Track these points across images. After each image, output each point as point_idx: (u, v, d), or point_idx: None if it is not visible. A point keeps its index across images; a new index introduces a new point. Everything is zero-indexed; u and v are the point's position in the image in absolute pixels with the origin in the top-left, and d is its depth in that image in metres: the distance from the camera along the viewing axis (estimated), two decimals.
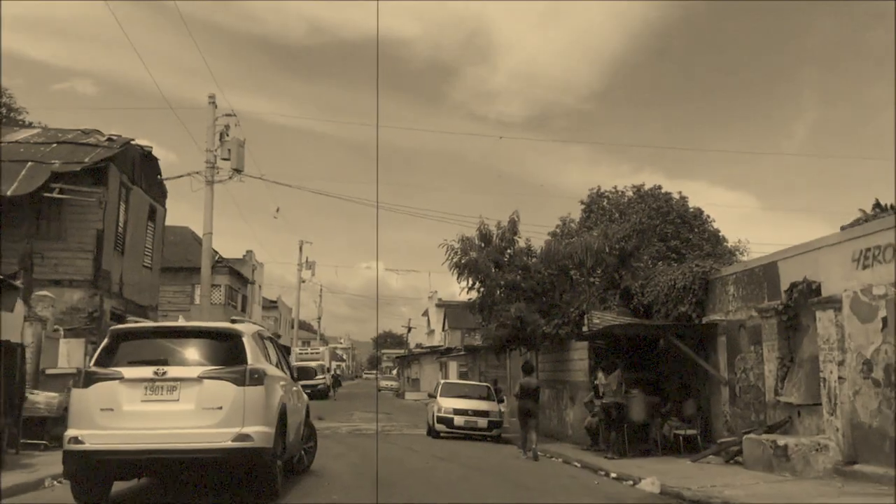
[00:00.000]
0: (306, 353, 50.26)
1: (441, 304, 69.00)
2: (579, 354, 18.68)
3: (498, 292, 20.18)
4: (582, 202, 20.89)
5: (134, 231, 24.34)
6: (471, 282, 20.02)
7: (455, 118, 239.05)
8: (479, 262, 19.71)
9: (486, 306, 20.41)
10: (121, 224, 23.05)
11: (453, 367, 42.51)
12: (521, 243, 21.11)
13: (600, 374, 15.67)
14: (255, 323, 9.71)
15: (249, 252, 49.36)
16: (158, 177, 26.08)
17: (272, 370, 8.81)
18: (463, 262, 19.80)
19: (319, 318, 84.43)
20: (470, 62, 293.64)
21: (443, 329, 59.63)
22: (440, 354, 48.11)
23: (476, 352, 35.39)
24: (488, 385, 23.64)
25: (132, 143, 23.78)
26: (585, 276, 18.85)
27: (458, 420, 20.86)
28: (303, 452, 11.25)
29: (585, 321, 17.85)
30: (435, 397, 22.34)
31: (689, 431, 14.94)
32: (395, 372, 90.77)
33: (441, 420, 21.07)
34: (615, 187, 21.09)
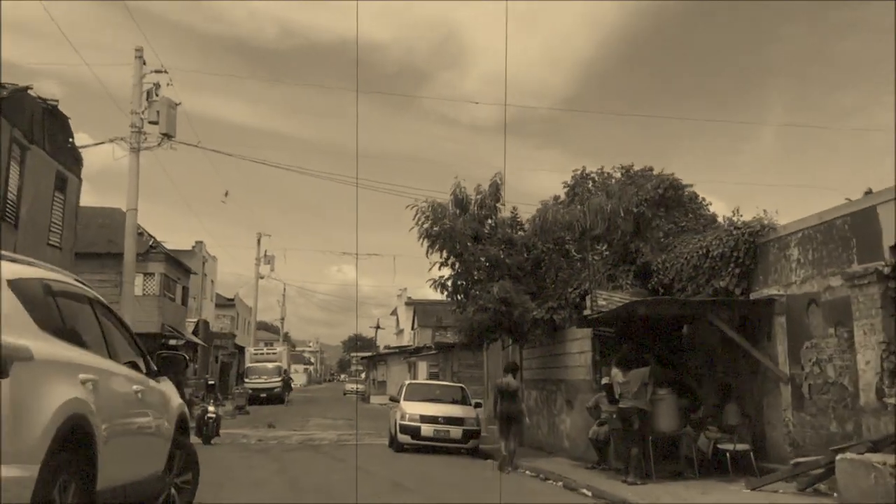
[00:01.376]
0: (262, 354, 45.89)
1: (410, 303, 64.90)
2: (579, 346, 14.77)
3: (476, 271, 16.21)
4: (565, 184, 16.91)
5: (34, 202, 19.88)
6: (444, 255, 16.02)
7: (429, 122, 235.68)
8: (454, 231, 15.71)
9: (461, 287, 16.42)
10: (12, 190, 18.66)
11: (423, 367, 38.50)
12: (505, 212, 17.17)
13: (614, 371, 11.72)
14: (37, 265, 5.27)
15: (199, 243, 44.87)
16: (70, 140, 21.68)
17: (65, 351, 4.62)
18: (434, 230, 15.78)
19: (282, 319, 79.90)
20: (442, 66, 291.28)
21: (412, 328, 55.54)
22: (409, 354, 44.04)
23: (448, 350, 31.42)
24: (462, 386, 19.63)
25: (29, 91, 19.39)
26: (589, 249, 14.90)
27: (426, 429, 16.85)
28: (173, 491, 7.18)
29: (588, 304, 13.96)
30: (398, 401, 18.33)
31: (740, 446, 11.01)
32: (362, 375, 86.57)
33: (405, 429, 17.06)
34: (601, 168, 17.05)
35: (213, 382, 20.42)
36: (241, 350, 51.94)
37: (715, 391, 12.33)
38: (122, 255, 27.86)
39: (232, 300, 58.25)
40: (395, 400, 18.78)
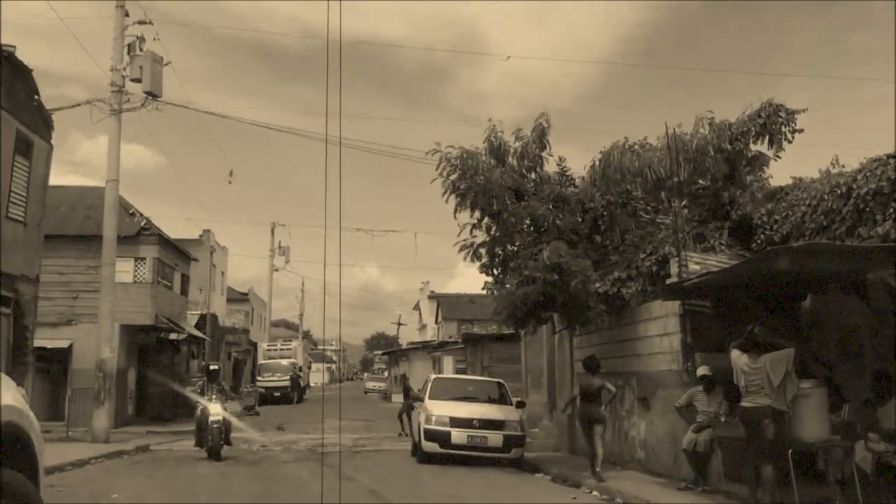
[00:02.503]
0: (275, 349, 42.77)
1: (434, 296, 61.67)
2: (660, 326, 11.25)
3: (519, 234, 12.77)
4: (594, 162, 13.02)
5: None
6: (477, 216, 12.60)
7: (446, 121, 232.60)
8: (490, 185, 12.28)
9: (499, 257, 12.96)
10: None
11: (448, 363, 35.16)
12: (552, 164, 13.71)
13: (736, 355, 8.20)
14: None
15: (207, 232, 41.86)
16: (35, 98, 18.54)
17: None
18: (463, 186, 12.36)
19: (301, 315, 76.81)
20: (461, 65, 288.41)
21: (436, 322, 52.23)
22: (433, 349, 40.69)
23: (477, 343, 28.01)
24: (500, 381, 16.16)
25: None
26: (677, 194, 11.36)
27: (458, 436, 13.45)
28: None
29: (673, 271, 10.48)
30: (422, 400, 14.98)
31: None
32: (385, 373, 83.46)
33: (431, 435, 13.69)
34: (631, 144, 12.88)
35: (215, 367, 16.55)
36: (256, 347, 48.87)
37: (866, 384, 8.79)
38: (122, 238, 24.83)
39: (246, 295, 55.25)
40: (417, 399, 15.41)
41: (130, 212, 25.41)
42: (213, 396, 15.77)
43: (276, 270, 51.42)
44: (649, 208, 12.57)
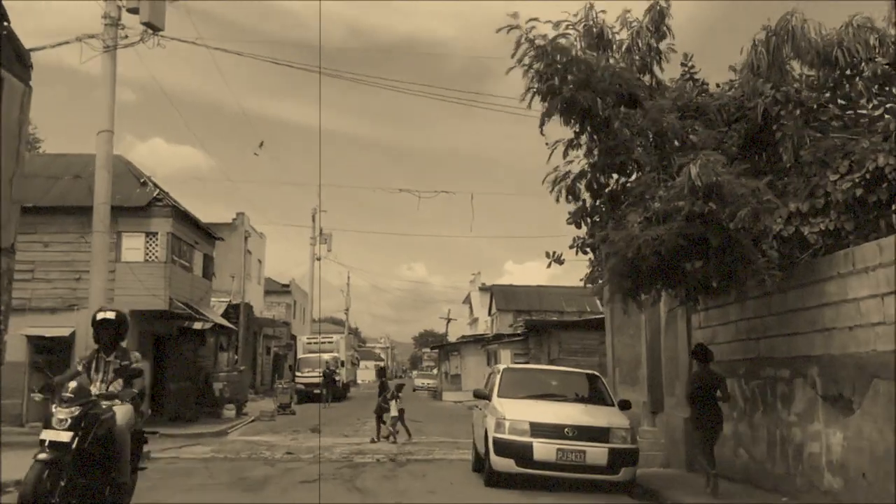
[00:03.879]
0: (315, 342, 39.29)
1: (486, 288, 57.74)
2: (872, 283, 7.05)
3: (633, 163, 8.66)
4: (754, 43, 8.74)
5: None
6: (575, 129, 8.53)
7: (496, 121, 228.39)
8: (591, 82, 8.24)
9: (606, 188, 8.84)
10: None
11: (506, 356, 31.14)
12: (673, 69, 9.59)
13: None
14: None
15: (241, 215, 38.61)
16: (4, 24, 15.10)
17: None
18: (548, 82, 8.34)
19: (347, 310, 73.63)
20: (509, 63, 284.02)
21: (489, 313, 48.25)
22: (487, 342, 36.74)
23: (543, 332, 23.95)
24: (594, 374, 11.99)
25: None
26: (865, 91, 7.22)
27: (544, 449, 9.40)
28: None
29: None
30: (488, 398, 10.98)
31: None
32: (434, 370, 79.92)
33: (505, 448, 9.66)
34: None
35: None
36: (296, 341, 45.57)
37: None
38: (118, 210, 21.52)
39: (287, 286, 52.14)
40: (482, 396, 11.40)
41: (142, 180, 22.06)
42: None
43: (319, 259, 48.09)
44: (834, 109, 8.37)
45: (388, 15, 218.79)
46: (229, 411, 25.31)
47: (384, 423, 19.53)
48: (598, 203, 8.97)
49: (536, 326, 23.73)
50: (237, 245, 36.90)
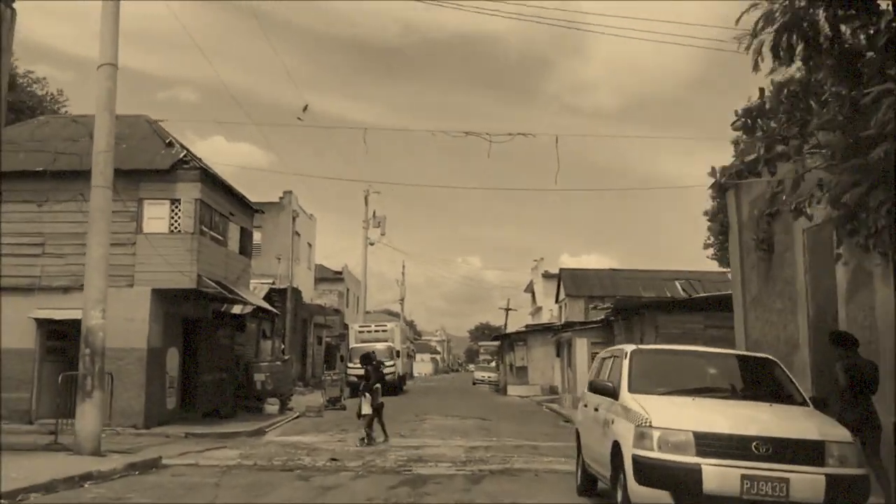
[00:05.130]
0: (368, 331, 36.29)
1: (550, 275, 53.96)
2: None
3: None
4: None
5: None
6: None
7: (548, 112, 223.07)
8: None
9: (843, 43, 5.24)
10: None
11: (581, 346, 27.53)
12: None
13: None
14: None
15: (288, 193, 35.76)
16: None
17: None
18: None
19: (402, 300, 70.74)
20: (563, 54, 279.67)
21: (556, 300, 44.51)
22: (558, 330, 33.09)
23: (633, 315, 20.23)
24: (770, 358, 8.19)
25: None
26: None
27: (720, 477, 5.81)
28: None
29: None
30: (614, 395, 7.40)
31: None
32: (492, 363, 76.48)
33: (653, 472, 6.11)
34: None
35: None
36: (349, 329, 42.66)
37: None
38: (139, 175, 18.67)
39: (340, 273, 49.36)
40: (598, 390, 7.78)
41: (167, 140, 19.14)
42: None
43: (372, 244, 45.09)
44: None
45: (441, 10, 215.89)
46: (272, 406, 22.35)
47: (381, 422, 16.34)
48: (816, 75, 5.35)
49: (627, 308, 19.99)
50: (285, 225, 34.09)
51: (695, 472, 5.92)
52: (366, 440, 15.64)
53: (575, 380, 27.78)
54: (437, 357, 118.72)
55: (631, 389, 7.16)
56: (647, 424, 6.30)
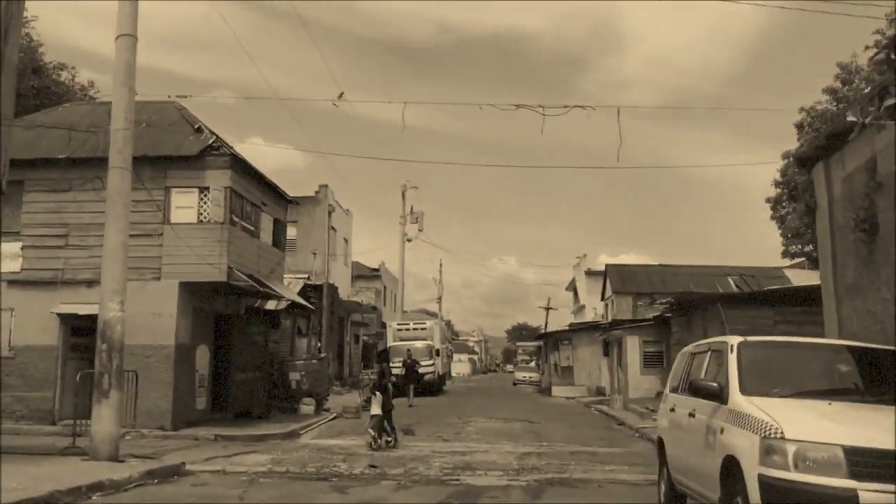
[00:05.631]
0: (406, 329, 35.06)
1: (594, 272, 52.22)
2: None
3: None
4: None
5: None
6: None
7: (583, 112, 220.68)
8: None
9: None
10: None
11: (633, 345, 25.96)
12: None
13: None
14: None
15: (324, 188, 34.71)
16: None
17: None
18: None
19: (440, 298, 69.52)
20: (599, 52, 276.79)
21: (602, 298, 42.80)
22: (604, 329, 31.49)
23: (695, 309, 18.61)
24: None
25: None
26: None
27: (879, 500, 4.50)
28: None
29: None
30: (720, 397, 5.94)
31: None
32: (531, 363, 74.78)
33: (787, 499, 4.73)
34: None
35: None
36: (387, 328, 41.54)
37: None
38: (165, 161, 17.65)
39: (377, 270, 48.29)
40: (705, 393, 6.27)
41: (196, 126, 18.10)
42: None
43: (409, 240, 43.89)
44: None
45: (476, 9, 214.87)
46: (307, 406, 21.23)
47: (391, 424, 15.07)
48: None
49: (688, 303, 18.38)
50: (320, 219, 33.04)
51: (849, 501, 4.49)
52: (375, 443, 14.45)
53: (626, 380, 26.21)
54: (475, 357, 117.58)
55: (743, 391, 5.72)
56: (778, 436, 4.85)
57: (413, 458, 13.10)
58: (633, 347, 26.11)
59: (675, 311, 19.89)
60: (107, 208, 11.85)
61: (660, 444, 8.02)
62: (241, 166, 17.82)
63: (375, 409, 14.84)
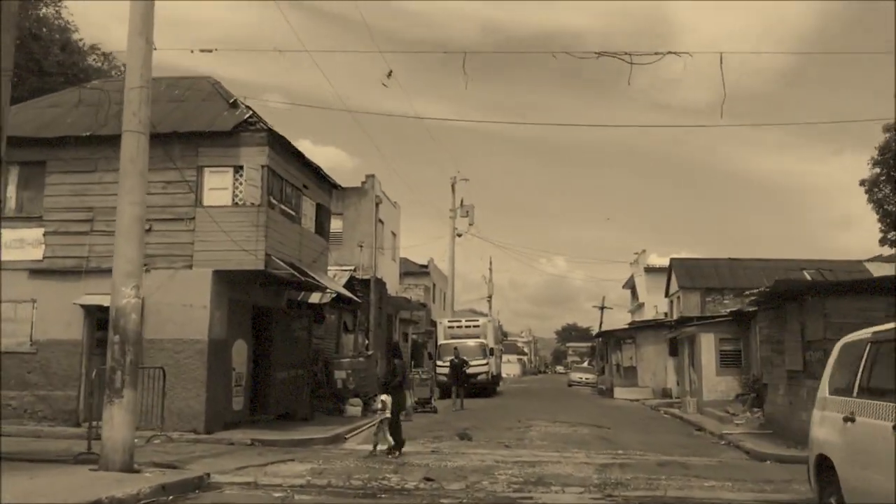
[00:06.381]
0: (458, 326, 33.14)
1: (653, 270, 49.70)
2: None
3: None
4: None
5: None
6: None
7: (634, 109, 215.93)
8: None
9: None
10: None
11: (707, 343, 23.62)
12: None
13: None
14: None
15: (371, 178, 33.08)
16: None
17: None
18: None
19: (490, 297, 67.57)
20: (648, 49, 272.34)
21: (666, 295, 40.35)
22: (671, 327, 29.16)
23: (788, 304, 16.32)
24: None
25: None
26: None
27: None
28: None
29: None
30: None
31: None
32: (586, 362, 72.34)
33: None
34: None
35: None
36: (437, 326, 39.76)
37: None
38: (197, 138, 16.14)
39: (425, 267, 46.61)
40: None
41: (231, 100, 16.56)
42: None
43: (460, 235, 42.04)
44: None
45: (521, 9, 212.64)
46: (354, 407, 19.58)
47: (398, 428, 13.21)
48: None
49: (790, 291, 16.08)
50: (367, 211, 31.43)
51: None
52: (392, 450, 12.78)
53: (700, 382, 23.91)
54: (524, 358, 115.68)
55: None
56: None
57: (475, 470, 11.24)
58: (709, 346, 23.77)
59: (764, 304, 17.62)
60: (120, 178, 10.30)
61: (822, 463, 6.00)
62: (279, 144, 16.20)
63: (386, 412, 13.08)
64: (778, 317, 17.36)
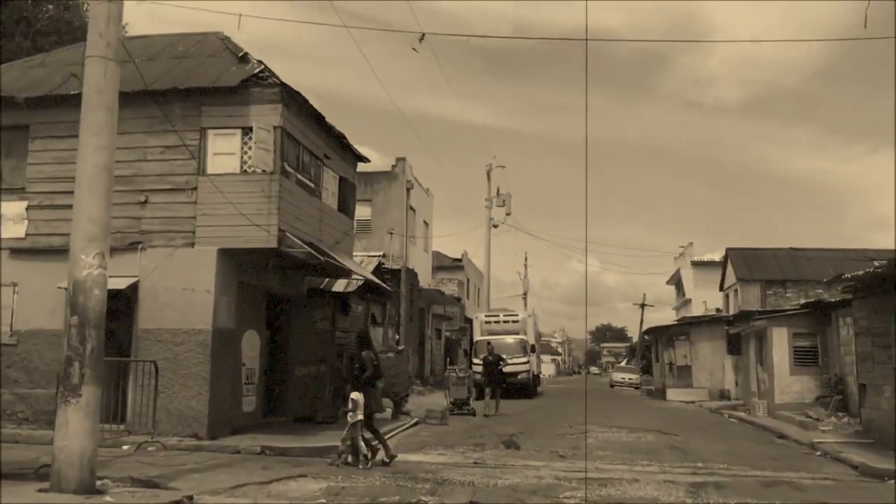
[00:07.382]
0: (496, 321, 30.69)
1: (700, 263, 46.84)
2: None
3: None
4: None
5: None
6: None
7: (666, 108, 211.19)
8: None
9: None
10: None
11: (780, 339, 20.89)
12: None
13: None
14: None
15: (401, 161, 30.80)
16: None
17: None
18: None
19: (525, 294, 64.93)
20: (681, 49, 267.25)
21: (721, 288, 37.49)
22: (735, 320, 26.40)
23: (885, 294, 13.63)
24: None
25: None
26: None
27: None
28: None
29: None
30: None
31: None
32: (624, 362, 69.49)
33: None
34: None
35: None
36: (472, 323, 37.37)
37: None
38: (199, 95, 13.97)
39: (459, 261, 44.26)
40: None
41: (240, 55, 14.35)
42: None
43: (496, 226, 39.61)
44: None
45: (551, 9, 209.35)
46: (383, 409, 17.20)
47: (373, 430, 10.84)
48: None
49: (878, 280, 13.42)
50: (398, 197, 29.20)
51: None
52: (339, 457, 10.71)
53: (771, 382, 21.23)
54: (558, 359, 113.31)
55: None
56: None
57: (532, 490, 8.88)
58: (781, 342, 21.06)
59: (861, 291, 14.97)
60: (82, 116, 8.10)
61: None
62: (295, 102, 13.94)
63: (358, 414, 10.77)
64: (881, 306, 14.68)
